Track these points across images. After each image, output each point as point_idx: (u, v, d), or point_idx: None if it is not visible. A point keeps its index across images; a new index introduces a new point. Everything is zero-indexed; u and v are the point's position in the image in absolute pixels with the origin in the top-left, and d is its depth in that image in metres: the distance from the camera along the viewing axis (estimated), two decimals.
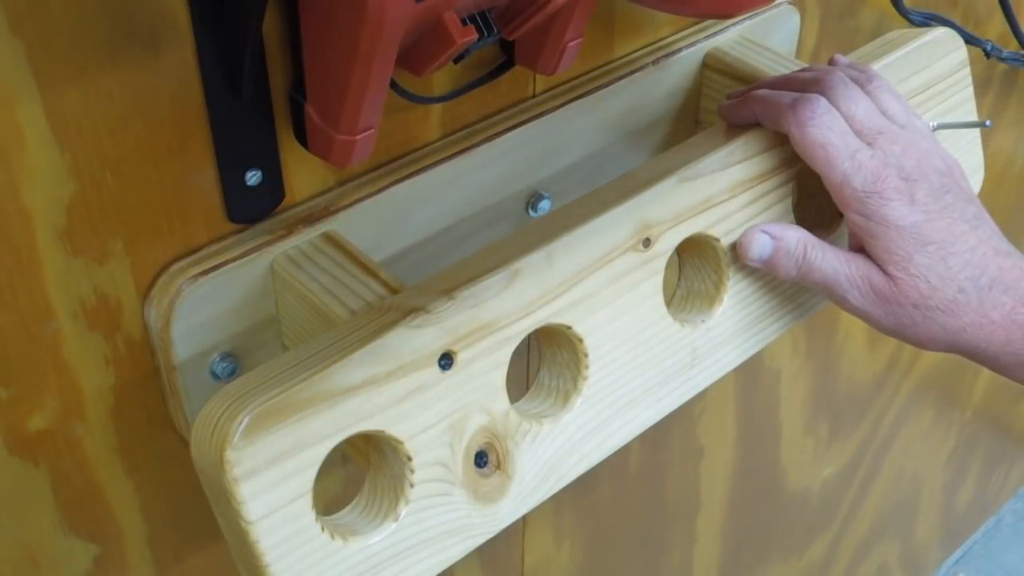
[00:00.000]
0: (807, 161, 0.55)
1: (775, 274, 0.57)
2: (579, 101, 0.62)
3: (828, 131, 0.54)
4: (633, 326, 0.53)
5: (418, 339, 0.46)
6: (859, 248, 0.56)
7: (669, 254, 0.54)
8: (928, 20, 0.83)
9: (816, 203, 0.63)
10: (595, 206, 0.52)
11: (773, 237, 0.56)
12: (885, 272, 0.54)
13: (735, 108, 0.58)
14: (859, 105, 0.56)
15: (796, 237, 0.56)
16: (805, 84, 0.58)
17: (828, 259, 0.55)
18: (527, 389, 0.54)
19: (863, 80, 0.58)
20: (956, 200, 0.55)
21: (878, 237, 0.54)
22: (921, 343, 0.55)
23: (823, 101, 0.55)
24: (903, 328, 0.55)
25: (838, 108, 0.55)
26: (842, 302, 0.56)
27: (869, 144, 0.55)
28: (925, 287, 0.53)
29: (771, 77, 0.62)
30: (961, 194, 0.56)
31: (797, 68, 0.66)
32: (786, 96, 0.56)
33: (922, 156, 0.55)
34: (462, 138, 0.59)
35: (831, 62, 0.62)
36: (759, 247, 0.56)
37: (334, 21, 0.44)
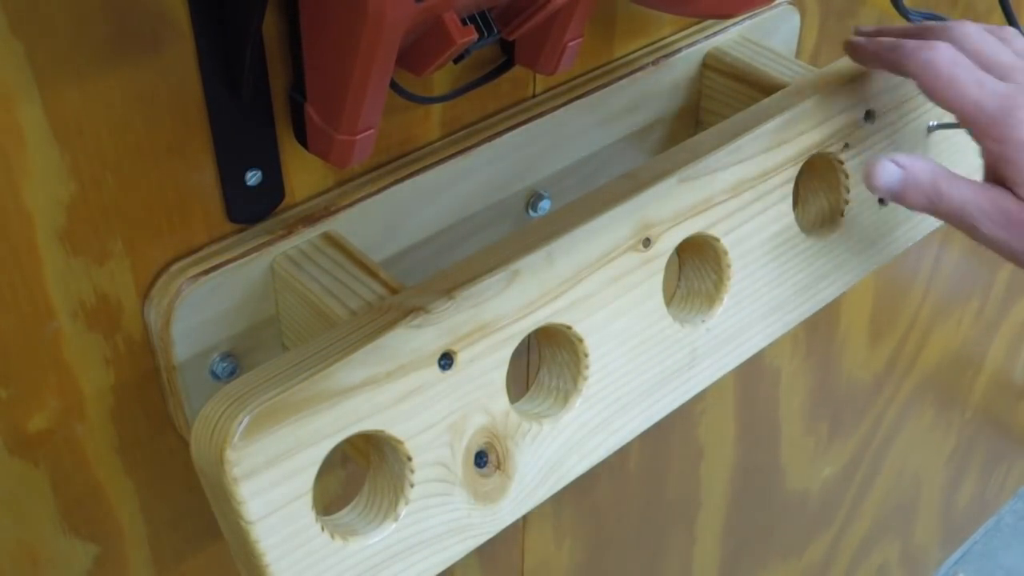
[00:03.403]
0: (937, 101, 0.55)
1: (904, 204, 0.56)
2: (579, 101, 0.62)
3: (953, 66, 0.54)
4: (633, 326, 0.53)
5: (418, 339, 0.46)
6: (995, 179, 0.55)
7: (669, 254, 0.54)
8: (928, 20, 0.83)
9: (817, 204, 0.63)
10: (595, 206, 0.52)
11: (901, 167, 0.55)
12: (1018, 196, 0.53)
13: (859, 49, 0.59)
14: (987, 45, 0.55)
15: (925, 167, 0.55)
16: (931, 33, 0.58)
17: (959, 189, 0.54)
18: (527, 389, 0.54)
19: (993, 30, 0.58)
20: None
21: (1011, 161, 0.53)
22: None
23: (946, 44, 0.55)
24: None
25: (964, 50, 0.55)
26: (974, 232, 0.55)
27: (1002, 79, 0.54)
28: None
29: (897, 27, 0.62)
30: None
31: (797, 68, 0.66)
32: (910, 43, 0.56)
33: None
34: (462, 138, 0.59)
35: None
36: (886, 176, 0.55)
37: (334, 21, 0.44)
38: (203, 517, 0.59)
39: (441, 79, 0.56)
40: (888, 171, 0.55)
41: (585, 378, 0.52)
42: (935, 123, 0.64)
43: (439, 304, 0.47)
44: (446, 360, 0.47)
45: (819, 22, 0.78)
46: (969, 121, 0.54)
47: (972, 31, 0.57)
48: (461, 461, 0.48)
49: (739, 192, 0.56)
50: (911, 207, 0.56)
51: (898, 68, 0.56)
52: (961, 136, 0.66)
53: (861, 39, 0.60)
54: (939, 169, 0.55)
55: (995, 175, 0.54)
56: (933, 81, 0.54)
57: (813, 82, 0.61)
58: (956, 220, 0.55)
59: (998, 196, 0.54)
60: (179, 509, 0.58)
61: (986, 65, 0.55)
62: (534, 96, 0.62)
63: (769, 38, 0.70)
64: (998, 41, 0.56)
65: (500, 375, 0.49)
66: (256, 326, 0.54)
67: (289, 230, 0.53)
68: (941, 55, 0.54)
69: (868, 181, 0.56)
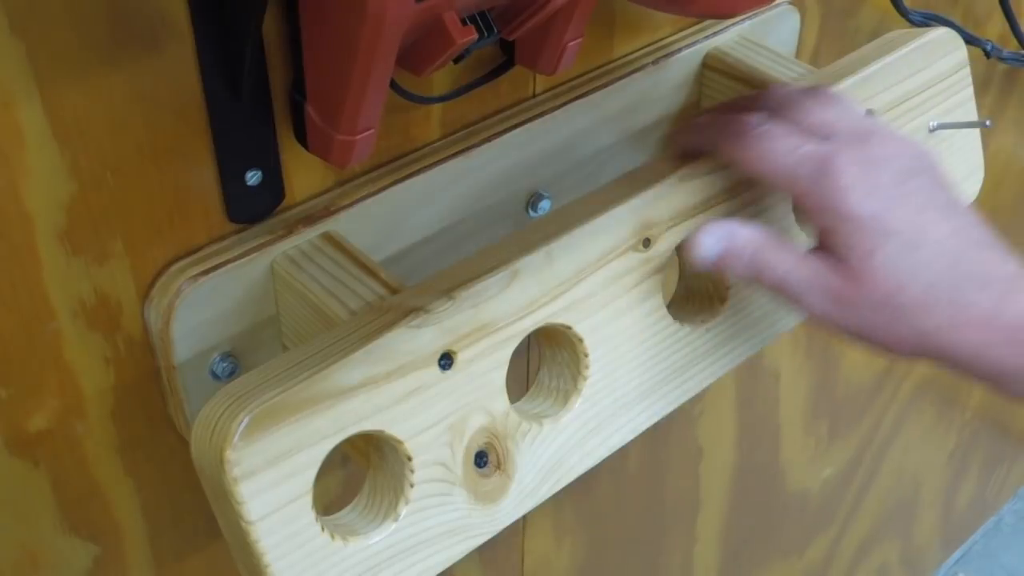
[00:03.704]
0: (756, 175, 0.51)
1: (725, 276, 0.53)
2: (579, 101, 0.62)
3: (764, 134, 0.50)
4: (633, 326, 0.54)
5: (418, 339, 0.46)
6: (823, 248, 0.51)
7: (669, 254, 0.54)
8: (928, 20, 0.83)
9: None
10: (595, 206, 0.52)
11: (721, 237, 0.52)
12: (846, 270, 0.49)
13: (677, 137, 0.55)
14: (804, 109, 0.51)
15: (747, 236, 0.51)
16: (745, 105, 0.54)
17: (782, 260, 0.50)
18: (527, 389, 0.54)
19: (813, 92, 0.54)
20: (925, 185, 0.50)
21: (836, 232, 0.49)
22: (888, 347, 0.50)
23: (760, 115, 0.51)
24: (868, 331, 0.49)
25: (780, 116, 0.51)
26: (799, 306, 0.51)
27: (823, 140, 0.50)
28: (890, 283, 0.48)
29: (715, 105, 0.58)
30: (933, 179, 0.50)
31: (797, 68, 0.66)
32: (722, 119, 0.53)
33: (885, 139, 0.50)
34: (462, 138, 0.59)
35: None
36: (705, 247, 0.52)
37: (334, 21, 0.44)
38: (203, 517, 0.59)
39: (441, 79, 0.56)
40: (705, 245, 0.52)
41: (585, 378, 0.52)
42: (936, 123, 0.64)
43: (439, 304, 0.47)
44: (446, 360, 0.47)
45: (819, 22, 0.78)
46: (788, 191, 0.50)
47: (789, 95, 0.53)
48: (461, 461, 0.48)
49: (739, 192, 0.56)
50: (733, 277, 0.52)
51: (716, 148, 0.53)
52: (962, 136, 0.66)
53: (675, 130, 0.56)
54: (764, 239, 0.51)
55: (823, 244, 0.50)
56: (746, 155, 0.51)
57: (813, 82, 0.61)
58: (781, 294, 0.51)
59: (824, 269, 0.49)
60: (179, 509, 0.58)
61: (805, 128, 0.51)
62: (534, 96, 0.62)
63: (769, 38, 0.70)
64: (818, 101, 0.52)
65: (500, 375, 0.49)
66: (256, 326, 0.54)
67: (289, 230, 0.53)
68: (750, 127, 0.51)
69: (688, 252, 0.53)
